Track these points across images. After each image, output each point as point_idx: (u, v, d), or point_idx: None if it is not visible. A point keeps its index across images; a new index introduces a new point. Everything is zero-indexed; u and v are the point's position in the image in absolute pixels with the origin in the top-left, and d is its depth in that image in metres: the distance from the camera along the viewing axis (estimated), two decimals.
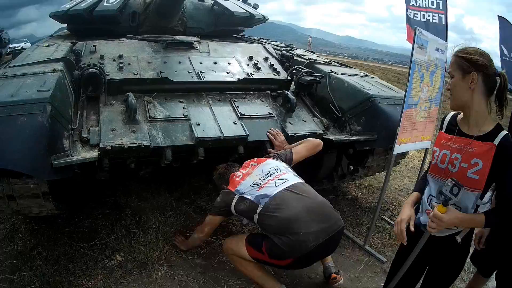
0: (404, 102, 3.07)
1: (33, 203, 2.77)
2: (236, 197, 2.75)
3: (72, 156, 2.54)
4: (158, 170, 3.59)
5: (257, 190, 2.69)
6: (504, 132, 1.67)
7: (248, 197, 2.68)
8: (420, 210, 2.00)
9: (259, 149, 3.38)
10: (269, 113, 3.46)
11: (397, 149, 3.19)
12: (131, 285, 2.97)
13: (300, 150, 3.14)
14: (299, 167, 4.55)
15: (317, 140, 3.21)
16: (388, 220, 4.26)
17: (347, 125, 3.56)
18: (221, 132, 3.07)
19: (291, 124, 3.44)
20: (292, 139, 3.31)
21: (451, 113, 1.93)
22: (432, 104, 3.46)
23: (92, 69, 3.00)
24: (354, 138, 3.44)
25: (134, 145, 2.78)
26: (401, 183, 5.30)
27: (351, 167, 4.17)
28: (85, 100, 3.11)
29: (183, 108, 3.21)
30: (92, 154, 2.65)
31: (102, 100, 3.08)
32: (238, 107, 3.39)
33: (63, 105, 2.69)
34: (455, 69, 1.72)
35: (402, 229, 1.89)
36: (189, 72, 3.56)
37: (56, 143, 2.47)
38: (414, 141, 3.35)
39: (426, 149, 3.83)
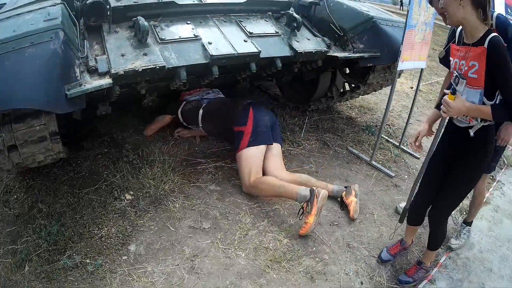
0: (407, 22, 3.28)
1: (38, 149, 2.46)
2: (183, 103, 3.69)
3: (85, 85, 2.27)
4: (163, 97, 3.44)
5: (200, 95, 3.71)
6: (492, 34, 1.86)
7: (193, 99, 3.66)
8: None
9: (269, 66, 3.29)
10: (276, 31, 3.30)
11: (401, 66, 3.37)
12: (148, 223, 2.79)
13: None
14: (295, 89, 4.65)
15: None
16: (386, 138, 4.35)
17: (349, 43, 3.55)
18: (234, 49, 2.89)
19: (297, 41, 3.32)
20: (300, 55, 3.23)
21: (460, 27, 2.09)
22: (428, 28, 3.65)
23: None
24: (358, 55, 3.47)
25: (149, 67, 2.52)
26: (391, 104, 5.30)
27: (350, 86, 4.27)
28: (85, 32, 2.80)
29: (192, 29, 2.97)
30: (106, 81, 2.39)
31: (105, 29, 2.77)
32: (245, 26, 3.19)
33: (71, 33, 2.40)
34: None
35: (413, 141, 2.41)
36: None
37: (69, 72, 2.19)
38: (413, 60, 3.56)
39: (422, 70, 3.91)
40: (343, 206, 3.14)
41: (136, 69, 2.49)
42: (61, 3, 2.57)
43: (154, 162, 3.37)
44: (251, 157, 3.14)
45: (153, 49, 2.68)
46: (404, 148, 4.11)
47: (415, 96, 3.97)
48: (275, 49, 3.17)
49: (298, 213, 2.86)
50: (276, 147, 3.34)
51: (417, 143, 2.40)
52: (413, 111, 4.01)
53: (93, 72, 2.44)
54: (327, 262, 2.62)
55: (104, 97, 2.87)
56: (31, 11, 2.46)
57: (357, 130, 4.41)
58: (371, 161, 3.77)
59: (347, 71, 4.28)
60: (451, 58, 2.11)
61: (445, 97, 1.97)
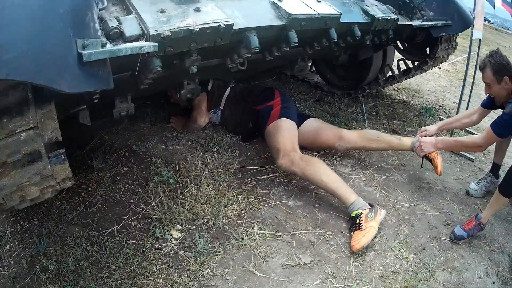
0: None
1: (29, 176, 1.33)
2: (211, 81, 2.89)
3: (111, 46, 1.20)
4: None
5: None
6: None
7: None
8: None
9: (345, 35, 2.31)
10: None
11: (476, 34, 3.05)
12: (220, 272, 1.77)
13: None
14: (337, 74, 3.84)
15: None
16: (445, 118, 3.59)
17: (417, 11, 2.78)
18: (312, 9, 1.92)
19: (368, 7, 2.41)
20: (378, 23, 2.35)
21: None
22: None
23: None
24: (431, 23, 2.75)
25: (210, 25, 1.45)
26: (431, 86, 4.56)
27: (412, 62, 3.47)
28: None
29: None
30: (148, 43, 1.29)
31: None
32: None
33: None
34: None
35: None
36: None
37: (85, 18, 1.15)
38: (478, 29, 3.12)
39: (480, 40, 3.34)
40: (425, 163, 2.53)
41: (191, 28, 1.42)
42: None
43: (199, 179, 2.30)
44: (289, 128, 2.43)
45: (206, 3, 1.57)
46: (468, 129, 3.39)
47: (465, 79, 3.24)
48: (351, 14, 2.25)
49: (352, 223, 2.05)
50: (314, 120, 2.77)
51: None
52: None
53: (117, 37, 1.30)
54: (460, 270, 2.02)
55: (129, 84, 1.74)
56: None
57: (417, 114, 3.58)
58: None
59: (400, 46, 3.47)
60: None
61: None
